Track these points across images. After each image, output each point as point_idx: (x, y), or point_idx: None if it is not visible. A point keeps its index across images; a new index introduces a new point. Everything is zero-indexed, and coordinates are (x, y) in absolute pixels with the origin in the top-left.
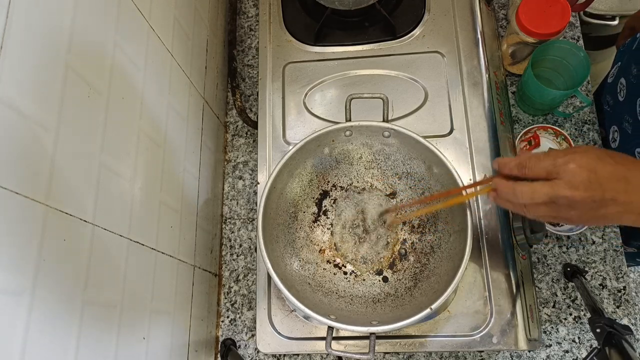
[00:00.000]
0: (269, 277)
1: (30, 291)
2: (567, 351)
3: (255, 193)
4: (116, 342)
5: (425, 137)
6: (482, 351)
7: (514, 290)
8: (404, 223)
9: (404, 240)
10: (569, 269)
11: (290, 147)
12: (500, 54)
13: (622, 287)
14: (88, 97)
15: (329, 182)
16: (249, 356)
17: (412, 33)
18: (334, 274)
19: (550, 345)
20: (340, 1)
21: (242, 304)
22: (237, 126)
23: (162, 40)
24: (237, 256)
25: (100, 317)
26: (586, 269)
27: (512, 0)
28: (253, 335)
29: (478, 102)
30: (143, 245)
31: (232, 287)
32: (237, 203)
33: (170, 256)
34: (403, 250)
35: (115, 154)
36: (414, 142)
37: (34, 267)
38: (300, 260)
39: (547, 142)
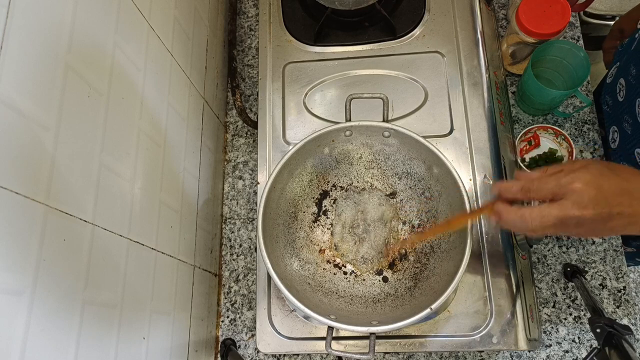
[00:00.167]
0: (269, 277)
1: (31, 291)
2: (567, 351)
3: (255, 193)
4: (116, 341)
5: (425, 137)
6: (482, 351)
7: (514, 290)
8: (404, 223)
9: (404, 240)
10: (569, 269)
11: (290, 147)
12: (500, 54)
13: (622, 287)
14: (88, 97)
15: (329, 182)
16: (249, 356)
17: (412, 33)
18: (334, 274)
19: (550, 345)
20: (340, 1)
21: (242, 304)
22: (237, 126)
23: (162, 40)
24: (237, 256)
25: (100, 317)
26: (586, 269)
27: (512, 0)
28: (253, 335)
29: (478, 102)
30: (143, 245)
31: (232, 287)
32: (237, 203)
33: (170, 256)
34: (403, 250)
35: (115, 154)
36: (414, 142)
37: (34, 267)
38: (300, 260)
39: (547, 142)
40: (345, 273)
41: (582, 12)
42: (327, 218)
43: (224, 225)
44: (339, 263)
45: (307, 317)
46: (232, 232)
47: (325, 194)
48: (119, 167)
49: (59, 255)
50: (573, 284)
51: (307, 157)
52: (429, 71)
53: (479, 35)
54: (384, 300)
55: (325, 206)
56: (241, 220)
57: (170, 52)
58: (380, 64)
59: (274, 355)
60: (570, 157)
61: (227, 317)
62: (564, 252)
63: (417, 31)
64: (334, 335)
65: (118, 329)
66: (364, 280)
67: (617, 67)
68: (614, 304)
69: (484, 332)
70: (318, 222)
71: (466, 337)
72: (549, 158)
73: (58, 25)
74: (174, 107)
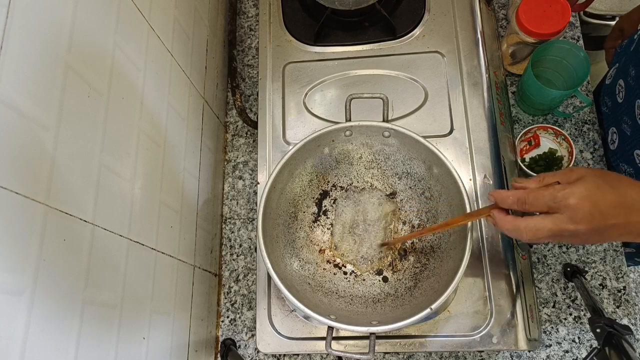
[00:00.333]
0: (269, 277)
1: (31, 291)
2: (567, 351)
3: (255, 193)
4: (116, 341)
5: (425, 137)
6: (482, 351)
7: (514, 290)
8: (404, 223)
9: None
10: (569, 269)
11: (290, 147)
12: (500, 54)
13: (622, 287)
14: (88, 97)
15: (329, 182)
16: (249, 356)
17: (412, 33)
18: (334, 274)
19: (550, 345)
20: (340, 1)
21: (242, 304)
22: (237, 126)
23: (162, 40)
24: (237, 256)
25: (100, 317)
26: (586, 269)
27: (512, 0)
28: (253, 335)
29: (478, 102)
30: (143, 245)
31: (232, 287)
32: (237, 203)
33: (170, 256)
34: (403, 250)
35: (115, 154)
36: (414, 142)
37: (34, 267)
38: (300, 260)
39: (547, 142)
40: (345, 273)
41: (582, 12)
42: (327, 218)
43: (224, 225)
44: (339, 263)
45: (307, 317)
46: (232, 232)
47: (325, 194)
48: (119, 167)
49: (59, 255)
50: (573, 284)
51: (307, 157)
52: (429, 71)
53: (479, 35)
54: (384, 300)
55: (325, 206)
56: (241, 220)
57: (170, 52)
58: (380, 64)
59: (274, 355)
60: (570, 157)
61: (227, 317)
62: (564, 252)
63: (417, 31)
64: (334, 335)
65: (118, 329)
66: (364, 280)
67: (616, 68)
68: (614, 304)
69: (484, 332)
70: (318, 222)
71: (466, 337)
72: (549, 158)
73: (58, 25)
74: (174, 107)
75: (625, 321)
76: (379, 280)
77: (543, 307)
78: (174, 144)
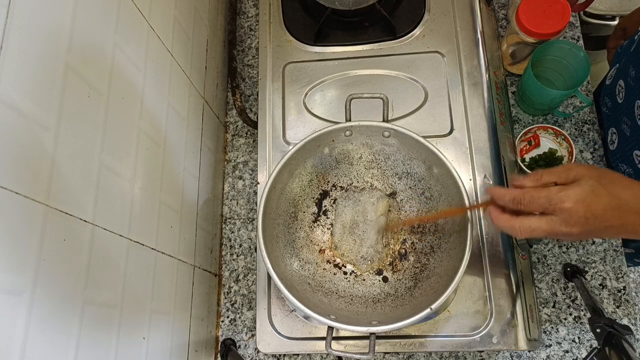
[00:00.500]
0: (269, 277)
1: (30, 291)
2: (567, 351)
3: (255, 193)
4: (116, 342)
5: (425, 137)
6: (482, 351)
7: (514, 290)
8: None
9: (404, 240)
10: (569, 269)
11: (290, 147)
12: (500, 54)
13: (622, 287)
14: (88, 97)
15: (329, 182)
16: (249, 356)
17: (412, 33)
18: (334, 274)
19: (550, 345)
20: (340, 1)
21: (242, 304)
22: (237, 126)
23: (162, 40)
24: (237, 256)
25: (100, 317)
26: (586, 269)
27: (512, 0)
28: (253, 335)
29: (478, 102)
30: (143, 245)
31: (232, 287)
32: (237, 203)
33: (170, 256)
34: (403, 250)
35: (115, 154)
36: (414, 142)
37: (34, 267)
38: (300, 260)
39: (547, 142)
40: (345, 273)
41: (582, 12)
42: (327, 218)
43: (224, 225)
44: (339, 263)
45: (307, 317)
46: (232, 232)
47: (325, 194)
48: (119, 167)
49: (59, 255)
50: (573, 284)
51: (307, 157)
52: (429, 71)
53: (479, 35)
54: (384, 300)
55: (325, 206)
56: (241, 220)
57: (170, 52)
58: (380, 64)
59: (274, 355)
60: (570, 157)
61: (227, 317)
62: (564, 252)
63: (417, 31)
64: (334, 335)
65: (118, 329)
66: (364, 280)
67: (616, 68)
68: (614, 304)
69: (484, 332)
70: (318, 222)
71: (466, 337)
72: (549, 158)
73: (58, 25)
74: (174, 107)
75: (625, 321)
76: (379, 280)
77: (543, 307)
78: (174, 144)
